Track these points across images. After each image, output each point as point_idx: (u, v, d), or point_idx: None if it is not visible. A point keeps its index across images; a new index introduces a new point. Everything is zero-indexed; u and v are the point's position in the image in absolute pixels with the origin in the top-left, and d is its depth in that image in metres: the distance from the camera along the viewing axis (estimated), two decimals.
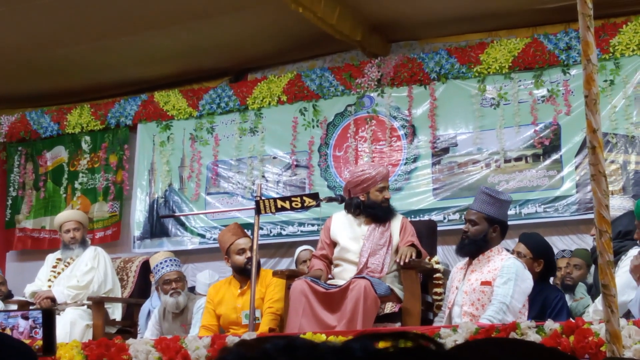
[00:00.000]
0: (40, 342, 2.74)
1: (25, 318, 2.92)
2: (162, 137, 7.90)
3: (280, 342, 0.57)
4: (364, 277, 4.58)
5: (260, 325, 5.01)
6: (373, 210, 4.89)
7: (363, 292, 4.46)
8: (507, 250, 4.92)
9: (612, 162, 6.23)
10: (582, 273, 5.77)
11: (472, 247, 4.57)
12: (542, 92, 6.60)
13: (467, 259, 4.64)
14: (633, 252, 4.48)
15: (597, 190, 2.16)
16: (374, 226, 4.88)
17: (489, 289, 4.39)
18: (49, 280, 6.22)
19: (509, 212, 5.57)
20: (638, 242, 4.55)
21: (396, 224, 4.93)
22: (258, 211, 4.75)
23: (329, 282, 4.82)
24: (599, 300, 4.20)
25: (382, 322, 4.63)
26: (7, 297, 6.75)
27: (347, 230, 4.96)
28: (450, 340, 3.71)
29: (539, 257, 4.96)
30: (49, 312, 2.83)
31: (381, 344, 0.56)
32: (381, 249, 4.80)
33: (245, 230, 5.54)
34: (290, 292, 4.68)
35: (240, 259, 5.23)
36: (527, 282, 4.42)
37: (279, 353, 0.56)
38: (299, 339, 0.58)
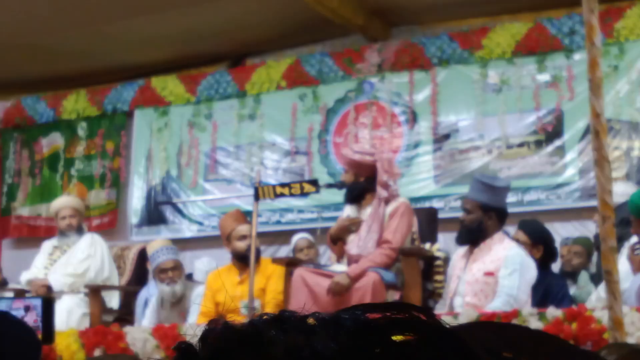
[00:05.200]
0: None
1: (28, 309, 2.87)
2: (159, 124, 7.82)
3: (268, 315, 0.56)
4: (374, 271, 4.48)
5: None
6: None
7: (372, 286, 4.39)
8: (509, 237, 4.87)
9: (616, 148, 6.16)
10: (582, 261, 5.69)
11: (469, 236, 4.54)
12: (545, 77, 6.51)
13: (467, 246, 4.59)
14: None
15: (601, 175, 2.10)
16: (370, 215, 4.71)
17: (492, 280, 4.35)
18: (45, 267, 6.18)
19: (511, 200, 5.50)
20: (636, 236, 4.49)
21: (390, 210, 4.74)
22: (257, 197, 4.69)
23: (333, 267, 4.71)
24: (601, 287, 4.15)
25: None
26: (2, 284, 6.70)
27: (352, 216, 4.88)
28: None
29: (537, 242, 4.95)
30: (48, 301, 2.80)
31: (372, 315, 0.56)
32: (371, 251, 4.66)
33: None
34: (292, 283, 4.59)
35: (242, 245, 5.19)
36: (532, 271, 4.40)
37: (267, 325, 0.55)
38: (288, 311, 0.57)
